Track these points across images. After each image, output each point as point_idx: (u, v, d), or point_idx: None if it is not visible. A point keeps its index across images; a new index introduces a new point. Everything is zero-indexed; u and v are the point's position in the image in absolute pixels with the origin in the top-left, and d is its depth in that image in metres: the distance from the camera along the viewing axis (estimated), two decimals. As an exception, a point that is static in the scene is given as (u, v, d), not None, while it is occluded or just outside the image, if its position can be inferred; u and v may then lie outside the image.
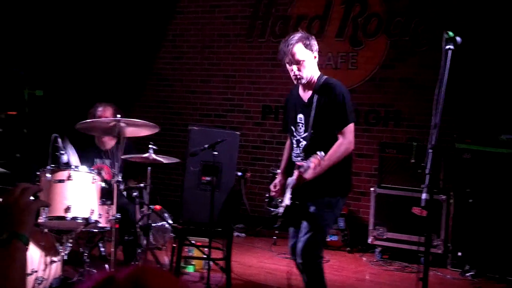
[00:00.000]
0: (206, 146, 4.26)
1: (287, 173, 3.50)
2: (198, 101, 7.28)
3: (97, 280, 0.97)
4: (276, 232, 5.80)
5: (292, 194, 3.32)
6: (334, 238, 5.88)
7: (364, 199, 6.20)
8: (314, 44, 3.39)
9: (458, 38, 2.90)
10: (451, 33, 2.91)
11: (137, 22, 7.62)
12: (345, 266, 5.35)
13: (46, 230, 3.58)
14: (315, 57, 3.39)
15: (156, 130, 4.11)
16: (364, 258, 5.66)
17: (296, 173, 3.25)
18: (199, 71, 7.29)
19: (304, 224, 3.34)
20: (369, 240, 5.63)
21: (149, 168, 4.34)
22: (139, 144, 5.04)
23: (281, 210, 3.43)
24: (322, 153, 3.12)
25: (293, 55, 3.31)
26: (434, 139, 3.36)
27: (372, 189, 5.70)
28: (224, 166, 4.72)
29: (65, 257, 3.67)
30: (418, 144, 5.60)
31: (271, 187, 3.56)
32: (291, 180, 3.36)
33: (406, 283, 4.83)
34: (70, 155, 3.81)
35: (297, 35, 3.36)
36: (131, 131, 4.07)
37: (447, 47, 2.89)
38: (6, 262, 1.32)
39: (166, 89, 7.52)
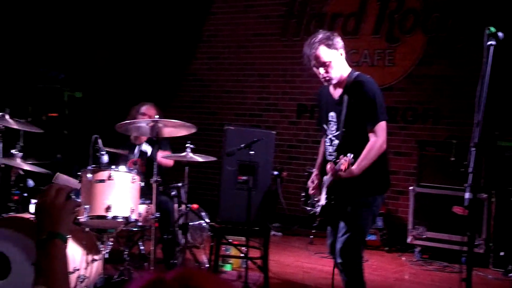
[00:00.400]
0: (243, 145, 4.27)
1: (323, 169, 3.44)
2: (233, 101, 7.32)
3: (146, 280, 0.98)
4: (313, 231, 5.79)
5: (327, 193, 3.28)
6: (373, 237, 5.81)
7: (402, 198, 6.10)
8: (338, 41, 3.25)
9: (500, 34, 2.81)
10: (492, 29, 2.82)
11: (172, 23, 7.70)
12: (383, 266, 5.28)
13: (87, 229, 3.65)
14: (341, 54, 3.26)
15: (193, 130, 4.14)
16: (403, 258, 5.57)
17: (329, 167, 3.17)
18: (234, 71, 7.32)
19: (342, 224, 3.29)
20: (408, 240, 5.54)
21: (187, 167, 4.38)
22: (176, 143, 5.09)
23: (318, 209, 3.41)
24: (352, 155, 3.06)
25: (317, 58, 3.21)
26: (477, 137, 3.28)
27: (410, 188, 5.61)
28: (260, 166, 4.72)
29: (106, 256, 3.73)
30: (458, 141, 5.48)
31: (309, 183, 3.51)
32: (326, 179, 3.32)
33: (446, 283, 4.74)
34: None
35: (319, 37, 3.23)
36: (169, 132, 4.11)
37: (489, 43, 2.81)
38: (48, 261, 1.37)
39: (201, 89, 7.58)
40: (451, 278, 4.77)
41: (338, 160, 3.13)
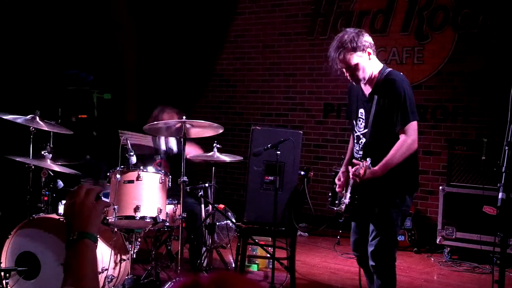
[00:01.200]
0: (269, 145, 4.26)
1: (351, 165, 3.39)
2: (260, 101, 7.31)
3: (182, 283, 0.98)
4: (340, 231, 5.74)
5: (351, 192, 3.22)
6: (401, 238, 5.73)
7: (432, 198, 6.01)
8: (364, 41, 3.16)
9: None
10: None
11: (199, 23, 7.74)
12: (412, 266, 5.21)
13: (116, 229, 3.69)
14: (369, 53, 3.18)
15: (220, 131, 4.15)
16: (432, 259, 5.48)
17: (351, 171, 3.12)
18: (260, 70, 7.31)
19: (372, 227, 3.25)
20: (438, 240, 5.45)
21: (214, 167, 4.40)
22: (204, 144, 5.11)
23: (343, 207, 3.34)
24: (369, 160, 3.03)
25: (343, 62, 3.16)
26: (510, 135, 3.19)
27: (440, 187, 5.52)
28: (287, 166, 4.70)
29: (134, 256, 3.77)
30: (489, 140, 5.36)
31: (336, 180, 3.47)
32: (349, 179, 3.27)
33: (476, 284, 4.65)
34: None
35: (343, 38, 3.14)
36: (196, 132, 4.13)
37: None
38: (78, 261, 1.38)
39: (227, 90, 7.59)
40: (481, 280, 4.68)
41: (358, 165, 3.09)
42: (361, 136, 3.30)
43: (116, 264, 3.67)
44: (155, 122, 4.15)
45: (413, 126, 3.14)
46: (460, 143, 5.60)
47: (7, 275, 3.37)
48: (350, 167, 3.18)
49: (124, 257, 3.75)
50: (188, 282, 0.97)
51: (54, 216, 3.60)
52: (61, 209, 3.64)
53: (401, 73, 3.29)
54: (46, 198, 3.90)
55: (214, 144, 4.33)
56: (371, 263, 3.28)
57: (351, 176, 3.13)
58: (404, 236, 5.74)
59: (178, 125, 3.98)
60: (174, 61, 7.85)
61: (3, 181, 4.85)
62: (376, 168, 3.07)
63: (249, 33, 7.40)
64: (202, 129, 4.14)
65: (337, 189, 3.44)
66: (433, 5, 6.18)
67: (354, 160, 3.23)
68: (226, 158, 4.35)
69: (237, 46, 7.51)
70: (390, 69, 3.28)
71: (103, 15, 7.45)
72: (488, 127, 5.77)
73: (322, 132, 6.81)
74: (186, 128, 3.96)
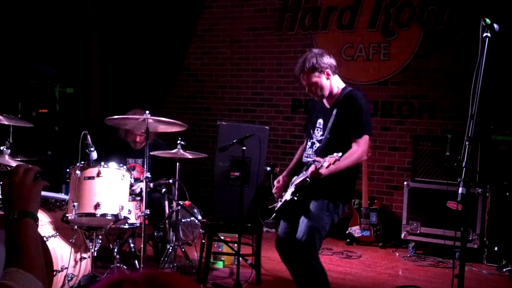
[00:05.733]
0: (235, 141, 4.23)
1: (293, 174, 3.60)
2: (228, 96, 7.25)
3: (111, 279, 0.95)
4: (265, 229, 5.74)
5: (295, 190, 3.41)
6: (366, 233, 5.78)
7: (397, 193, 6.07)
8: (323, 63, 3.41)
9: (495, 25, 2.79)
10: (488, 20, 2.80)
11: (166, 18, 7.63)
12: (377, 261, 5.25)
13: (75, 227, 3.61)
14: (327, 73, 3.43)
15: (184, 128, 4.10)
16: (397, 254, 5.54)
17: (312, 167, 3.24)
18: (228, 65, 7.26)
19: (303, 222, 3.36)
20: (402, 235, 5.51)
21: (178, 163, 4.34)
22: (169, 139, 5.04)
23: (278, 204, 3.55)
24: (340, 154, 3.13)
25: (303, 79, 3.45)
26: (471, 130, 3.23)
27: (405, 183, 5.58)
28: (253, 161, 4.68)
29: (95, 254, 3.69)
30: (453, 136, 5.44)
31: (275, 182, 3.64)
32: (297, 178, 3.46)
33: (440, 278, 4.71)
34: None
35: (306, 58, 3.42)
36: (161, 128, 4.07)
37: (484, 35, 2.79)
38: (21, 240, 1.36)
39: (195, 84, 7.51)
40: (445, 274, 4.75)
41: (319, 159, 3.22)
42: (316, 142, 3.49)
43: (76, 262, 3.58)
44: (118, 116, 4.05)
45: (365, 139, 3.36)
46: (425, 139, 5.67)
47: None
48: (315, 158, 3.31)
49: (84, 255, 3.67)
50: (117, 278, 0.94)
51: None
52: None
53: (361, 93, 3.60)
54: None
55: (178, 141, 4.27)
56: (296, 257, 3.37)
57: (310, 171, 3.24)
58: (369, 231, 5.78)
59: (141, 120, 3.90)
60: (141, 56, 7.73)
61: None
62: (332, 166, 3.16)
63: (217, 27, 7.34)
64: (167, 125, 4.09)
65: (274, 190, 3.64)
66: (399, 1, 6.23)
67: (316, 157, 3.32)
68: (189, 155, 4.30)
69: (205, 40, 7.44)
70: (351, 88, 3.55)
71: (68, 8, 7.27)
72: (453, 123, 5.85)
73: (290, 128, 6.81)
74: (149, 123, 3.88)
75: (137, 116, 4.10)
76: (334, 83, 3.48)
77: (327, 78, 3.43)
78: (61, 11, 7.16)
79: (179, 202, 4.34)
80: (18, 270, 1.31)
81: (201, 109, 7.40)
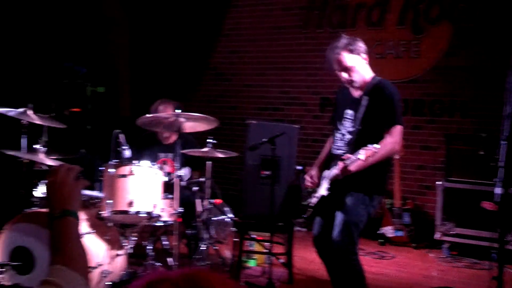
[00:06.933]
0: (265, 140, 4.21)
1: (323, 167, 3.55)
2: (255, 95, 7.24)
3: (150, 278, 0.95)
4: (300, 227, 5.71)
5: (330, 185, 3.36)
6: (399, 233, 5.69)
7: (430, 193, 5.97)
8: (360, 46, 3.36)
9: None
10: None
11: (193, 17, 7.65)
12: (411, 262, 5.17)
13: (110, 224, 3.63)
14: (363, 59, 3.37)
15: (215, 125, 4.08)
16: (431, 255, 5.44)
17: (340, 164, 3.19)
18: (255, 64, 7.24)
19: (339, 217, 3.32)
20: (436, 236, 5.41)
21: (209, 162, 4.33)
22: (199, 138, 5.05)
23: (314, 200, 3.48)
24: (378, 146, 3.07)
25: (340, 63, 3.33)
26: (507, 130, 3.16)
27: (438, 182, 5.48)
28: (283, 160, 4.66)
29: (130, 251, 3.71)
30: (487, 135, 5.33)
31: (307, 177, 3.57)
32: (329, 172, 3.39)
33: (476, 280, 4.61)
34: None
35: (341, 42, 3.34)
36: (190, 126, 4.06)
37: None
38: (64, 238, 1.40)
39: (222, 84, 7.52)
40: (481, 276, 4.64)
41: (350, 156, 3.14)
42: (347, 134, 3.40)
43: (111, 259, 3.59)
44: (149, 115, 4.07)
45: (398, 129, 3.28)
46: (458, 138, 5.57)
47: (1, 269, 3.31)
48: (344, 156, 3.23)
49: (119, 252, 3.68)
50: (157, 277, 0.93)
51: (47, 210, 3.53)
52: (39, 190, 3.61)
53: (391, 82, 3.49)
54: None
55: (209, 140, 4.26)
56: (333, 252, 3.33)
57: (341, 165, 3.18)
58: (402, 232, 5.70)
59: (172, 119, 3.91)
60: (168, 55, 7.76)
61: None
62: (362, 159, 3.10)
63: (244, 26, 7.33)
64: (196, 122, 4.07)
65: (308, 184, 3.56)
66: (429, -2, 6.13)
67: (346, 155, 3.24)
68: (220, 154, 4.29)
69: (231, 39, 7.44)
70: (381, 77, 3.44)
71: (98, 8, 7.35)
72: (485, 122, 5.73)
73: (319, 127, 6.75)
74: (180, 122, 3.89)
75: (168, 114, 4.12)
76: (366, 71, 3.40)
77: (364, 63, 3.36)
78: (91, 12, 7.23)
79: (211, 200, 4.34)
80: (62, 267, 1.33)
81: (229, 108, 7.39)
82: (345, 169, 3.15)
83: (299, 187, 4.66)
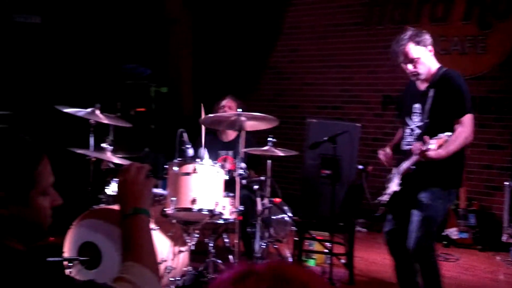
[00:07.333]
0: (326, 138, 4.18)
1: (395, 149, 3.49)
2: (315, 93, 7.20)
3: (237, 271, 0.95)
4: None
5: (402, 180, 3.30)
6: (464, 235, 5.50)
7: (497, 194, 5.73)
8: (426, 38, 3.31)
9: None
10: None
11: (253, 16, 7.70)
12: (476, 265, 4.99)
13: (174, 221, 3.71)
14: (429, 51, 3.31)
15: (275, 124, 4.10)
16: (497, 257, 5.23)
17: (417, 145, 3.12)
18: (315, 62, 7.20)
19: (416, 215, 3.25)
20: (503, 238, 5.20)
21: (269, 161, 4.35)
22: (258, 137, 5.07)
23: (385, 197, 3.42)
24: (449, 133, 3.01)
25: (406, 54, 3.28)
26: None
27: (506, 183, 5.26)
28: (344, 159, 4.62)
29: (192, 248, 3.78)
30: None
31: (381, 154, 3.49)
32: (399, 168, 3.34)
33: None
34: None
35: (407, 34, 3.30)
36: (251, 125, 4.10)
37: None
38: (136, 235, 1.42)
39: (281, 82, 7.52)
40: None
41: (428, 140, 3.04)
42: (416, 128, 3.35)
43: (174, 255, 3.68)
44: (210, 115, 4.14)
45: (469, 118, 3.21)
46: (528, 136, 5.32)
47: (70, 264, 3.45)
48: (416, 144, 3.17)
49: (182, 248, 3.76)
50: (243, 269, 0.94)
51: (115, 207, 3.65)
52: (110, 188, 3.73)
53: (458, 71, 3.41)
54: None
55: (269, 138, 4.27)
56: (411, 251, 3.26)
57: (415, 152, 3.12)
58: (467, 234, 5.51)
59: (234, 118, 3.96)
60: (228, 54, 7.85)
61: (65, 173, 4.99)
62: (441, 150, 3.04)
63: (303, 24, 7.30)
64: (257, 121, 4.10)
65: (381, 156, 3.49)
66: (496, -8, 5.89)
67: (425, 136, 3.11)
68: (281, 152, 4.29)
69: (291, 38, 7.43)
70: (447, 68, 3.38)
71: (160, 10, 7.53)
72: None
73: (380, 125, 6.63)
74: (241, 121, 3.93)
75: (229, 113, 4.17)
76: (432, 63, 3.34)
77: (430, 55, 3.30)
78: (155, 14, 7.42)
79: (270, 199, 4.35)
80: (135, 264, 1.36)
81: (288, 106, 7.39)
82: (423, 152, 3.04)
83: (361, 186, 4.60)
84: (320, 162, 4.76)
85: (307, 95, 7.25)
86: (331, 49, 7.05)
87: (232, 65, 7.83)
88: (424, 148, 3.03)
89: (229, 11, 7.84)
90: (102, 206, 3.75)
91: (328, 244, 4.22)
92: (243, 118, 3.93)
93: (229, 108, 4.67)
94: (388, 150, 3.51)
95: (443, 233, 5.55)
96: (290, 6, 7.40)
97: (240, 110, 3.96)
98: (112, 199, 3.82)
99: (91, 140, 3.96)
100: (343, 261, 4.26)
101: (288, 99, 7.44)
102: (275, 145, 4.29)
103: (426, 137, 3.04)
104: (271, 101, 7.52)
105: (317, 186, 4.64)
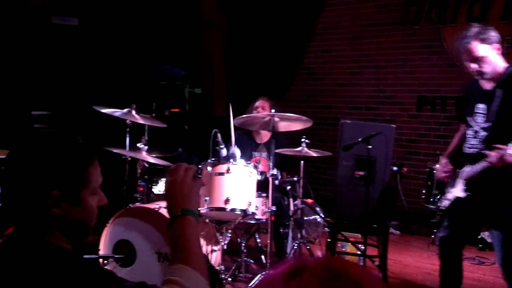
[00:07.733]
0: (360, 139, 4.15)
1: (452, 162, 3.33)
2: (348, 94, 7.15)
3: (289, 266, 0.95)
4: (435, 230, 5.48)
5: (466, 185, 3.14)
6: None
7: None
8: (492, 35, 3.10)
9: None
10: None
11: (286, 17, 7.70)
12: (514, 270, 4.86)
13: (207, 220, 3.75)
14: (495, 49, 3.11)
15: (308, 124, 4.09)
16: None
17: (495, 154, 2.94)
18: (348, 63, 7.15)
19: (498, 233, 3.10)
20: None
21: (302, 161, 4.34)
22: (292, 138, 5.07)
23: (446, 203, 3.29)
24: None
25: (470, 52, 3.11)
26: None
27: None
28: (378, 161, 4.56)
29: (225, 247, 3.81)
30: None
31: (439, 168, 3.36)
32: (462, 172, 3.20)
33: None
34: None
35: (472, 31, 3.12)
36: (285, 126, 4.10)
37: None
38: (184, 237, 1.41)
39: (315, 83, 7.50)
40: None
41: (501, 146, 2.91)
42: (480, 130, 3.18)
43: (207, 254, 3.72)
44: (244, 116, 4.17)
45: None
46: None
47: (105, 261, 3.52)
48: (491, 153, 2.99)
49: (215, 247, 3.80)
50: (300, 263, 0.93)
51: (150, 206, 3.72)
52: (158, 187, 3.77)
53: None
54: (141, 189, 4.03)
55: (302, 139, 4.27)
56: (503, 275, 3.15)
57: (494, 157, 2.95)
58: (505, 237, 5.37)
59: (267, 118, 3.97)
60: (261, 55, 7.87)
61: (102, 172, 5.09)
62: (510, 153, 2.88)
63: (338, 24, 7.25)
64: (291, 122, 4.11)
65: (442, 175, 3.36)
66: (539, -11, 5.72)
67: (497, 145, 2.99)
68: (314, 153, 4.28)
69: (324, 38, 7.39)
70: None
71: (194, 12, 7.62)
72: None
73: (415, 127, 6.53)
74: (275, 121, 3.94)
75: (263, 114, 4.19)
76: (498, 62, 3.15)
77: (496, 54, 3.11)
78: (189, 16, 7.51)
79: (303, 199, 4.35)
80: (184, 267, 1.36)
81: (321, 107, 7.36)
82: (502, 158, 2.89)
83: (395, 188, 4.55)
84: (354, 163, 4.71)
85: (341, 96, 7.21)
86: (366, 50, 6.99)
87: (265, 66, 7.85)
88: (502, 152, 2.89)
89: (263, 12, 7.86)
90: (137, 205, 3.82)
91: (361, 246, 4.18)
92: (276, 119, 3.94)
93: (262, 108, 4.69)
94: (444, 161, 3.37)
95: (478, 236, 5.43)
96: (327, 6, 7.36)
97: (274, 110, 3.97)
98: (144, 197, 3.87)
99: (127, 140, 4.03)
100: (376, 263, 4.21)
101: (321, 99, 7.41)
102: (308, 146, 4.29)
103: (499, 146, 2.92)
104: (304, 102, 7.50)
105: (350, 187, 4.60)
